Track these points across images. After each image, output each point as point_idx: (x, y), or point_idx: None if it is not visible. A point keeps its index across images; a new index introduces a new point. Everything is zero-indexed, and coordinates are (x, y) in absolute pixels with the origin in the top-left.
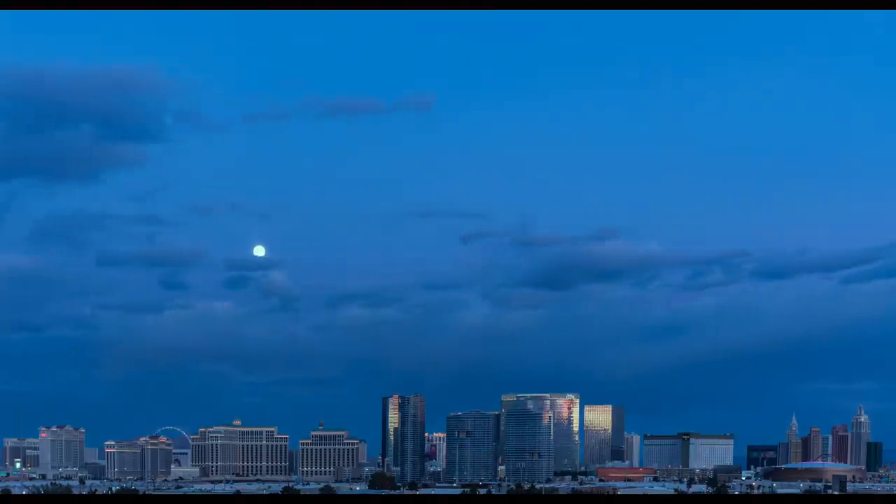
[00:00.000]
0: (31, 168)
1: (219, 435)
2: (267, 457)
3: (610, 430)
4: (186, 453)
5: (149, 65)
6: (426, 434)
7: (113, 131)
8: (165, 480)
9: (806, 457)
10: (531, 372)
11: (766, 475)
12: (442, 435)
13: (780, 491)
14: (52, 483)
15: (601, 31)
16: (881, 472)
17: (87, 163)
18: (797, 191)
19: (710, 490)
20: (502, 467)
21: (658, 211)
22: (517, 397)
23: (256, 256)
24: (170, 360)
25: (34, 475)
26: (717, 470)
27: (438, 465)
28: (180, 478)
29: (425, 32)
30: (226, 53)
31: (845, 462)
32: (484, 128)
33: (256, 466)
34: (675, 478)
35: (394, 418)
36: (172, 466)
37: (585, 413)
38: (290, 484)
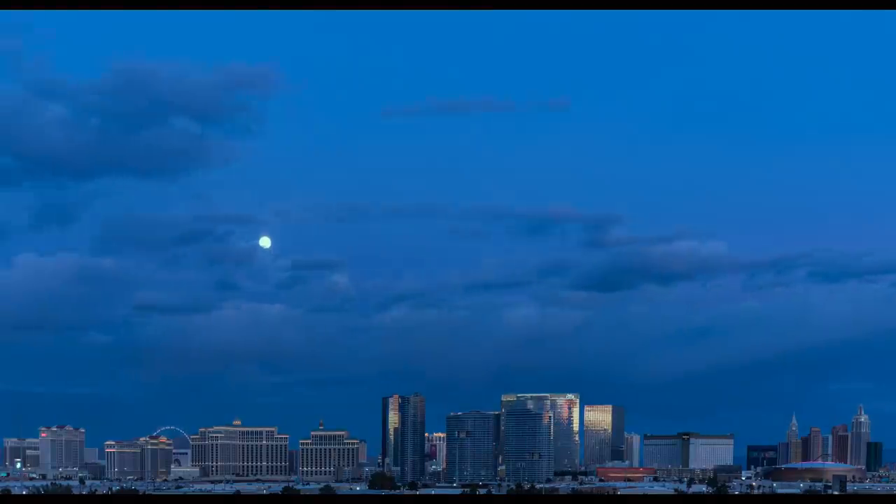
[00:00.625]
0: (120, 166)
1: (219, 435)
2: (267, 457)
3: (610, 430)
4: (186, 453)
5: (261, 65)
6: (426, 434)
7: (211, 130)
8: (165, 480)
9: (806, 457)
10: (551, 373)
11: (766, 475)
12: (442, 435)
13: (780, 491)
14: (52, 483)
15: (677, 34)
16: (881, 472)
17: (176, 162)
18: (866, 194)
19: (710, 490)
20: (502, 467)
21: (730, 214)
22: (517, 397)
23: (263, 248)
24: (197, 363)
25: (34, 475)
26: (717, 470)
27: (438, 465)
28: (180, 478)
29: (524, 34)
30: (339, 54)
31: (845, 462)
32: (578, 129)
33: (256, 466)
34: (675, 478)
35: (394, 418)
36: (172, 466)
37: (585, 413)
38: (290, 484)
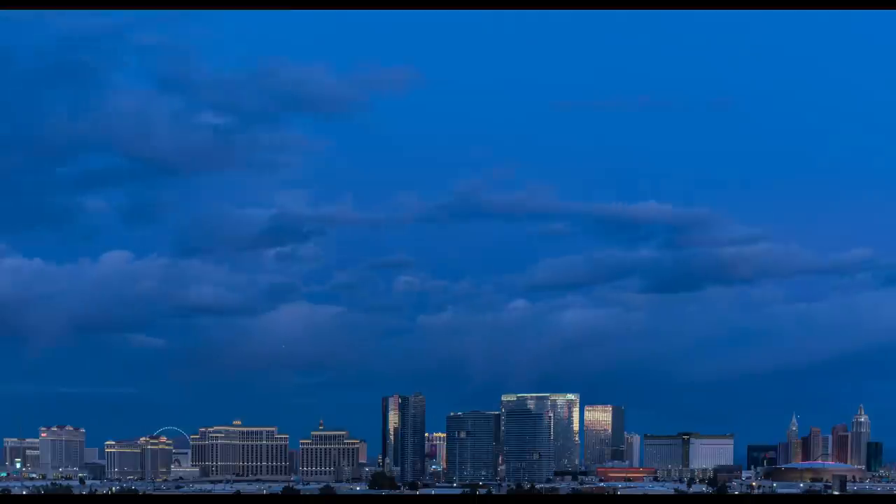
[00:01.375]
0: (227, 165)
1: (219, 435)
2: (267, 457)
3: (610, 430)
4: (186, 453)
5: (395, 68)
6: (426, 434)
7: (326, 130)
8: (165, 480)
9: (806, 457)
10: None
11: (766, 475)
12: (442, 435)
13: (780, 491)
14: (52, 483)
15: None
16: (881, 472)
17: (284, 161)
18: None
19: (710, 490)
20: (502, 467)
21: (813, 215)
22: (517, 397)
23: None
24: (231, 364)
25: (34, 475)
26: (717, 470)
27: (438, 465)
28: (180, 478)
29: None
30: (475, 56)
31: (845, 462)
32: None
33: (256, 466)
34: (675, 478)
35: (394, 418)
36: (172, 466)
37: (585, 413)
38: (290, 484)
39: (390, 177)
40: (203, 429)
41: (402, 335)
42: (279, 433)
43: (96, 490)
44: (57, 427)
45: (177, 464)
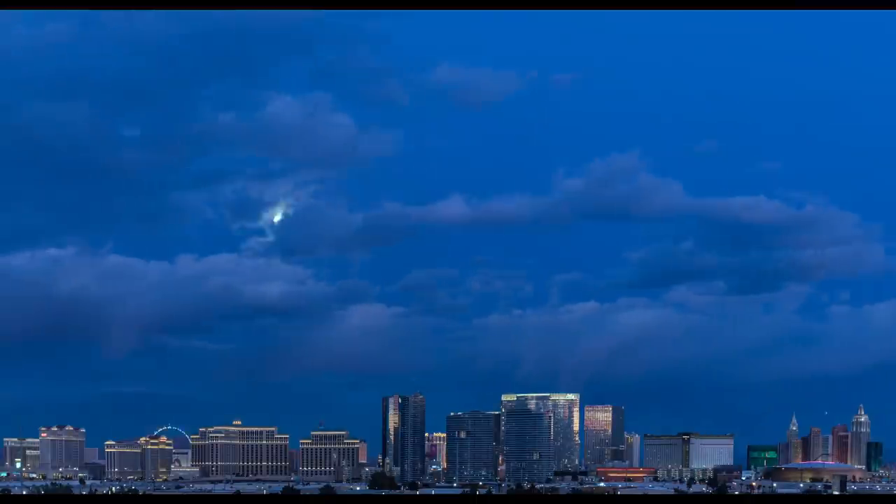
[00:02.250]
0: (347, 164)
1: (219, 435)
2: (267, 457)
3: (610, 431)
4: (186, 453)
5: (563, 74)
6: (426, 434)
7: (462, 132)
8: (166, 480)
9: (806, 457)
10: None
11: (766, 475)
12: (442, 435)
13: (780, 491)
14: (52, 483)
15: None
16: (881, 472)
17: (399, 161)
18: None
19: (710, 490)
20: (502, 467)
21: None
22: (517, 397)
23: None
24: (262, 367)
25: (34, 475)
26: (717, 470)
27: (438, 465)
28: (180, 478)
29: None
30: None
31: (845, 462)
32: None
33: (256, 466)
34: (676, 478)
35: (394, 418)
36: (172, 466)
37: (585, 413)
38: (290, 484)
39: (506, 177)
40: (203, 429)
41: (449, 336)
42: (279, 433)
43: (96, 490)
44: (57, 427)
45: (177, 464)
